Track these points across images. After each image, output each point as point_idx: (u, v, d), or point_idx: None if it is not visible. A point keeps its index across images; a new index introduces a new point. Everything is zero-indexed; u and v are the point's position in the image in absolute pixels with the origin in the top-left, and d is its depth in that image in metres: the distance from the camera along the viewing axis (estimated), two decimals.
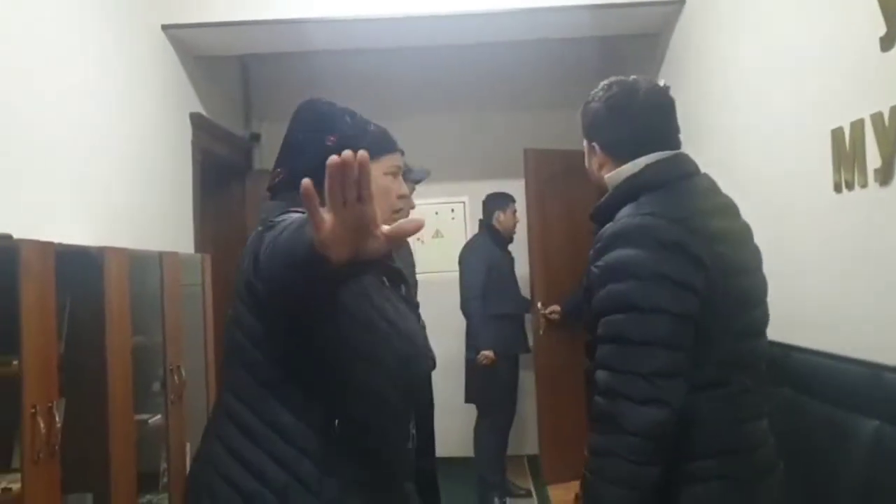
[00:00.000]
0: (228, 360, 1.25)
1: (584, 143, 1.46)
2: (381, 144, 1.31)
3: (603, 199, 1.39)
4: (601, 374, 1.25)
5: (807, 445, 1.87)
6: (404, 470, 1.30)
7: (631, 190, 1.33)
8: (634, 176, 1.34)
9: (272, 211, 1.20)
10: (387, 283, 1.30)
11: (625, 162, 1.36)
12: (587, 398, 1.43)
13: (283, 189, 1.28)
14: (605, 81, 1.43)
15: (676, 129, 1.41)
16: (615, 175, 1.37)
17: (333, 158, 0.74)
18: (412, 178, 2.26)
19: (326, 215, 0.77)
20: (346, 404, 1.18)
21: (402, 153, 1.35)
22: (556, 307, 4.02)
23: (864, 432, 1.64)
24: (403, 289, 1.36)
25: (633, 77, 1.42)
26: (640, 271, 1.22)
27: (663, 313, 1.21)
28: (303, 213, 1.14)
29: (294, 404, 1.17)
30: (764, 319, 1.38)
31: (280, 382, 1.18)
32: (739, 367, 1.31)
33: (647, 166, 1.34)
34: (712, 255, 1.25)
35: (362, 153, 0.74)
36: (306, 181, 0.76)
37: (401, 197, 1.34)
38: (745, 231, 1.40)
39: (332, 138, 1.26)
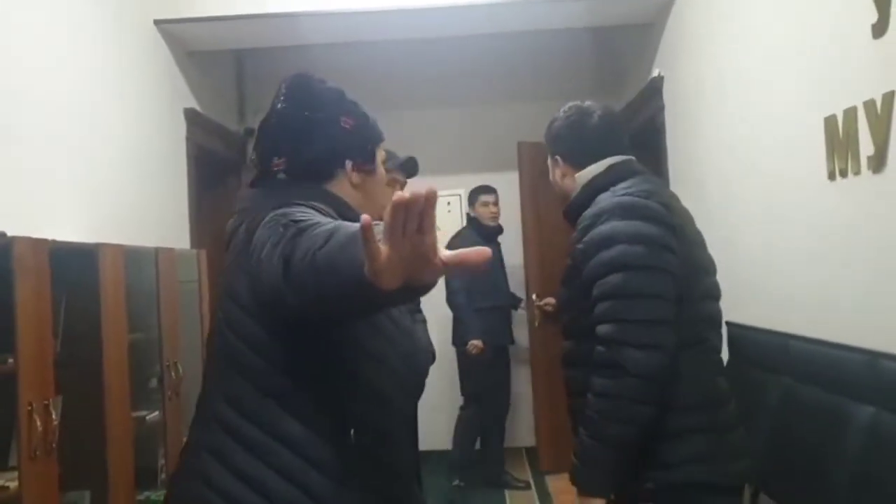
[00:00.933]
0: (220, 367, 1.13)
1: (549, 159, 1.67)
2: (379, 132, 1.28)
3: (574, 197, 1.59)
4: (602, 328, 1.39)
5: (805, 431, 1.88)
6: (412, 474, 1.25)
7: (598, 185, 1.53)
8: (601, 174, 1.55)
9: (262, 203, 1.10)
10: None
11: (582, 167, 1.58)
12: (565, 377, 1.59)
13: (287, 180, 1.17)
14: (566, 107, 1.66)
15: (627, 142, 1.63)
16: (584, 175, 1.57)
17: (401, 197, 0.65)
18: (402, 168, 2.24)
19: (383, 246, 0.69)
20: (357, 410, 1.11)
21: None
22: (551, 299, 4.02)
23: (860, 418, 1.65)
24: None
25: (587, 102, 1.65)
26: (626, 238, 1.40)
27: (651, 269, 1.39)
28: (313, 209, 1.05)
29: (302, 413, 1.07)
30: (718, 288, 1.54)
31: (286, 390, 1.08)
32: (709, 326, 1.49)
33: (610, 166, 1.56)
34: (680, 227, 1.46)
35: (433, 189, 0.67)
36: (366, 218, 0.67)
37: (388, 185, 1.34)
38: (690, 214, 1.58)
39: (347, 120, 1.19)
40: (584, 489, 1.41)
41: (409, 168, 2.27)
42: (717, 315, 1.53)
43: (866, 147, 1.72)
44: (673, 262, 1.41)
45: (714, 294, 1.52)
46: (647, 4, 3.29)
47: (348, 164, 1.20)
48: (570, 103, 1.67)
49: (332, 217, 1.09)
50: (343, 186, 1.20)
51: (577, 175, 1.60)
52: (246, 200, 1.19)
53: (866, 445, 1.61)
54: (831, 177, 1.90)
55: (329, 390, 1.09)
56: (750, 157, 2.43)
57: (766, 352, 2.22)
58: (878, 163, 1.68)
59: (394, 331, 1.16)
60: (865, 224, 1.77)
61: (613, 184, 1.51)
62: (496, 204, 4.00)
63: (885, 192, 1.67)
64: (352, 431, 1.09)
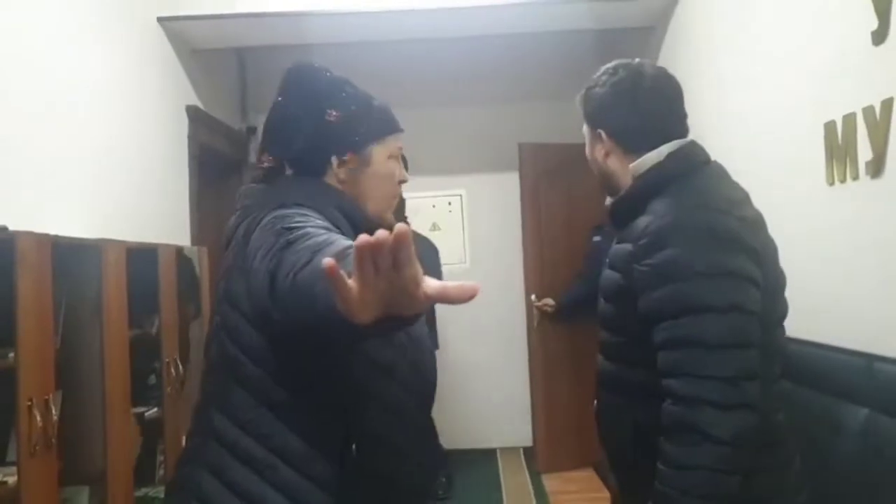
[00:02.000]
0: (217, 376, 1.09)
1: (587, 130, 1.37)
2: (386, 124, 1.20)
3: (627, 191, 1.30)
4: (673, 383, 1.15)
5: (801, 433, 1.89)
6: (423, 489, 1.19)
7: (657, 180, 1.26)
8: (660, 165, 1.27)
9: (262, 202, 1.07)
10: None
11: (634, 150, 1.30)
12: (596, 397, 1.39)
13: (290, 176, 1.15)
14: (609, 65, 1.36)
15: (685, 115, 1.36)
16: (638, 165, 1.29)
17: (363, 241, 0.59)
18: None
19: (354, 284, 0.62)
20: (362, 423, 1.05)
21: (403, 132, 1.24)
22: (550, 300, 4.03)
23: (855, 420, 1.66)
24: None
25: (637, 60, 1.35)
26: (707, 269, 1.14)
27: (739, 311, 1.14)
28: (312, 214, 1.00)
29: (302, 426, 1.02)
30: (787, 307, 1.34)
31: (286, 402, 1.03)
32: (777, 356, 1.29)
33: (671, 154, 1.27)
34: (762, 247, 1.23)
35: (402, 228, 0.59)
36: (328, 261, 0.60)
37: (401, 182, 1.23)
38: (763, 218, 1.34)
39: (333, 113, 1.13)
40: None
41: None
42: (783, 339, 1.33)
43: (865, 153, 1.73)
44: (758, 300, 1.17)
45: (784, 316, 1.32)
46: (648, 8, 3.29)
47: (333, 159, 1.15)
48: (617, 62, 1.34)
49: (333, 217, 1.06)
50: (332, 182, 1.16)
51: (631, 165, 1.30)
52: (247, 197, 1.16)
53: (861, 446, 1.62)
54: (830, 182, 1.91)
55: (332, 403, 1.04)
56: (750, 162, 2.43)
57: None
58: (876, 168, 1.69)
59: (403, 338, 1.10)
60: (863, 229, 1.78)
61: (674, 180, 1.24)
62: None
63: (883, 197, 1.68)
64: (353, 446, 1.04)
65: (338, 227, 1.04)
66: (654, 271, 1.17)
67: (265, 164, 1.15)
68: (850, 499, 1.63)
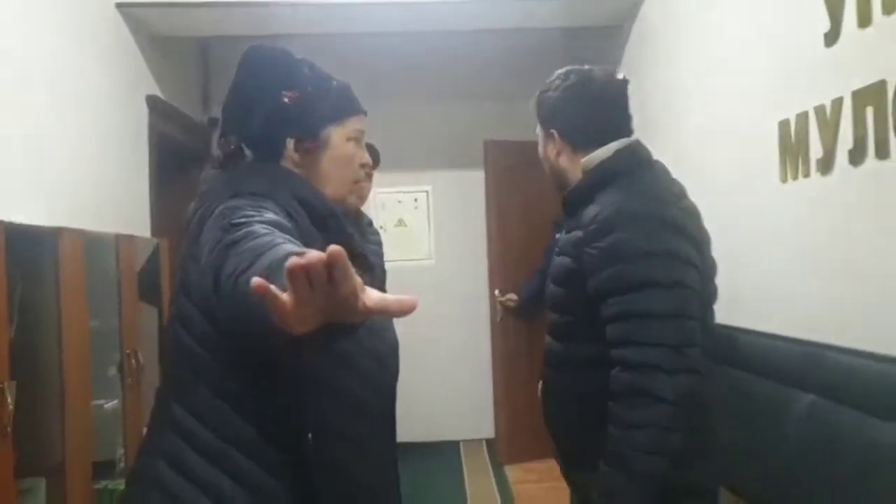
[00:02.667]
0: (173, 366, 1.08)
1: (540, 131, 1.50)
2: (345, 105, 1.18)
3: (577, 184, 1.43)
4: (625, 352, 1.26)
5: (749, 419, 1.96)
6: (386, 481, 1.19)
7: (606, 174, 1.38)
8: (608, 160, 1.40)
9: (219, 189, 1.06)
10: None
11: (583, 148, 1.43)
12: (541, 378, 1.52)
13: (235, 163, 1.12)
14: (561, 71, 1.48)
15: (630, 117, 1.48)
16: (588, 161, 1.42)
17: (293, 264, 0.58)
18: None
19: (288, 299, 0.61)
20: (319, 414, 1.05)
21: (366, 114, 1.22)
22: (513, 295, 4.09)
23: (800, 405, 1.73)
24: (368, 278, 1.24)
25: (587, 66, 1.48)
26: (652, 251, 1.27)
27: (682, 287, 1.27)
28: (261, 211, 0.95)
29: (257, 417, 1.02)
30: (717, 291, 1.47)
31: (240, 393, 1.03)
32: (706, 332, 1.39)
33: (617, 152, 1.40)
34: (698, 233, 1.36)
35: (335, 250, 0.59)
36: (257, 280, 0.60)
37: (363, 165, 1.21)
38: (699, 211, 1.48)
39: (288, 94, 1.10)
40: None
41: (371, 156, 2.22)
42: (712, 319, 1.46)
43: (816, 150, 1.80)
44: (695, 278, 1.31)
45: (713, 299, 1.44)
46: (614, 6, 3.35)
47: (289, 141, 1.13)
48: (568, 67, 1.47)
49: (289, 205, 1.05)
50: (288, 165, 1.14)
51: (582, 160, 1.42)
52: (206, 182, 1.14)
53: (805, 429, 1.70)
54: (783, 179, 1.98)
55: (285, 394, 1.03)
56: (708, 160, 2.51)
57: (717, 347, 2.30)
58: (825, 166, 1.76)
59: (362, 331, 1.07)
60: (812, 225, 1.85)
61: (623, 174, 1.36)
62: None
63: (832, 194, 1.76)
64: (309, 436, 1.04)
65: (291, 217, 1.03)
66: (603, 254, 1.29)
67: (228, 149, 1.13)
68: (798, 481, 1.70)
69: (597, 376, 1.31)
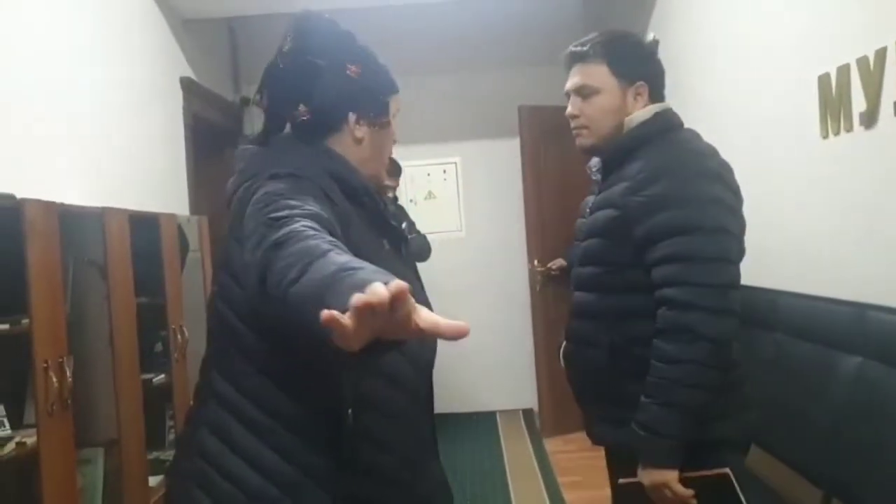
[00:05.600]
0: (218, 343, 1.10)
1: (613, 82, 1.45)
2: (392, 82, 1.19)
3: (619, 141, 1.47)
4: (672, 291, 1.33)
5: (792, 382, 1.95)
6: (427, 455, 1.19)
7: (645, 134, 1.44)
8: (648, 122, 1.46)
9: (256, 167, 1.05)
10: (387, 247, 1.15)
11: (657, 101, 1.49)
12: (566, 335, 1.60)
13: (286, 139, 1.12)
14: (618, 30, 1.55)
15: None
16: (631, 119, 1.47)
17: (360, 301, 0.61)
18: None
19: (349, 322, 0.62)
20: (359, 389, 1.06)
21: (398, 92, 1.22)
22: (560, 261, 4.04)
23: (847, 368, 1.71)
24: (404, 249, 1.22)
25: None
26: (698, 197, 1.33)
27: (726, 232, 1.34)
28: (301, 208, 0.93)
29: (300, 393, 1.04)
30: (745, 249, 1.51)
31: (282, 369, 1.04)
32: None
33: (657, 114, 1.47)
34: (737, 187, 1.42)
35: (400, 287, 0.62)
36: (326, 314, 0.61)
37: (394, 143, 1.23)
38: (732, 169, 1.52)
39: (352, 68, 1.10)
40: (656, 461, 1.33)
41: (394, 171, 2.19)
42: (740, 277, 1.48)
43: (858, 104, 1.76)
44: (737, 225, 1.38)
45: (742, 256, 1.47)
46: None
47: (352, 116, 1.12)
48: (610, 29, 1.55)
49: (326, 185, 1.04)
50: (344, 142, 1.13)
51: (627, 118, 1.46)
52: (242, 160, 1.14)
53: (853, 392, 1.68)
54: (824, 135, 1.94)
55: (325, 370, 1.03)
56: (745, 118, 2.46)
57: (757, 309, 2.28)
58: (870, 119, 1.72)
59: None
60: (855, 180, 1.82)
61: (661, 134, 1.43)
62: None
63: (877, 148, 1.72)
64: (349, 412, 1.04)
65: (327, 197, 1.03)
66: (651, 200, 1.36)
67: (302, 118, 1.09)
68: (845, 444, 1.68)
69: (627, 327, 1.40)
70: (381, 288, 0.62)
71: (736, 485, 1.30)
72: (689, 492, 1.32)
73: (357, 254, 0.85)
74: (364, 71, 1.12)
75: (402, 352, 1.05)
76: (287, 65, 1.10)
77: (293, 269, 0.80)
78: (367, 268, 0.74)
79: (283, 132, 1.15)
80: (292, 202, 0.94)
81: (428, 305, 1.21)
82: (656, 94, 1.49)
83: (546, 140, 4.22)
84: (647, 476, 1.33)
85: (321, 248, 0.82)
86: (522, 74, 4.55)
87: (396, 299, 0.62)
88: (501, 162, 4.61)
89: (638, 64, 1.48)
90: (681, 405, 1.30)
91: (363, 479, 1.06)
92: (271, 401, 1.03)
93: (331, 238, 0.87)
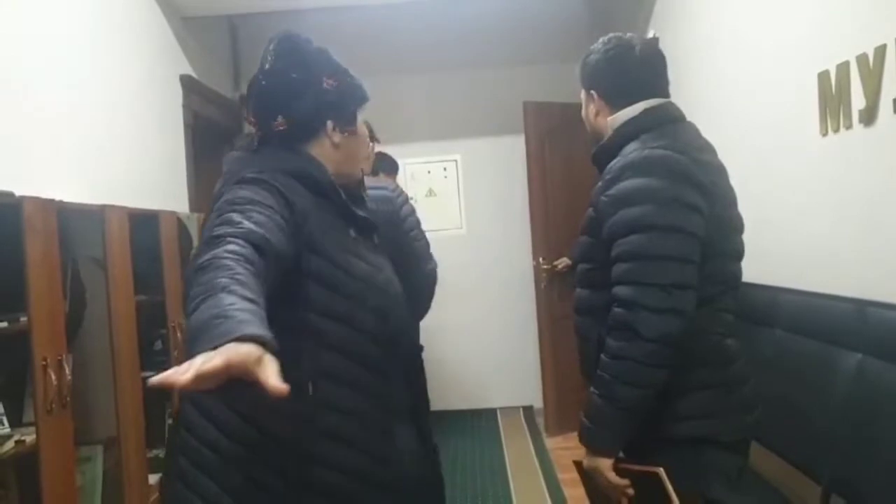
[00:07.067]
0: None
1: (583, 93, 1.59)
2: (363, 92, 1.32)
3: (605, 140, 1.51)
4: (620, 290, 1.35)
5: (797, 380, 1.95)
6: (397, 420, 1.26)
7: (631, 131, 1.46)
8: (634, 119, 1.48)
9: (233, 172, 1.16)
10: (353, 235, 1.25)
11: (619, 108, 1.51)
12: (577, 323, 1.57)
13: (269, 146, 1.23)
14: (604, 38, 1.56)
15: (667, 81, 1.56)
16: (616, 118, 1.50)
17: (153, 382, 0.73)
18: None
19: (178, 380, 0.72)
20: (317, 364, 1.15)
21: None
22: (566, 259, 4.05)
23: (848, 364, 1.71)
24: (376, 238, 1.33)
25: (629, 34, 1.56)
26: (654, 196, 1.35)
27: (678, 231, 1.34)
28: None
29: None
30: (743, 247, 1.51)
31: None
32: (727, 287, 1.45)
33: (645, 110, 1.48)
34: (710, 184, 1.41)
35: (217, 365, 0.73)
36: (153, 381, 0.74)
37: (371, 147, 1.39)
38: (725, 168, 1.53)
39: (329, 81, 1.23)
40: (592, 447, 1.41)
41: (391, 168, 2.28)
42: (737, 275, 1.49)
43: (858, 101, 1.76)
44: (698, 224, 1.36)
45: (738, 253, 1.49)
46: None
47: (329, 124, 1.25)
48: (611, 35, 1.56)
49: (289, 186, 1.14)
50: (324, 146, 1.25)
51: (609, 118, 1.51)
52: (226, 164, 1.25)
53: (854, 388, 1.67)
54: (823, 132, 1.93)
55: (288, 345, 1.07)
56: (745, 115, 2.46)
57: (758, 306, 2.28)
58: (869, 116, 1.71)
59: (361, 287, 1.19)
60: (855, 177, 1.81)
61: (646, 131, 1.44)
62: None
63: (876, 145, 1.71)
64: (310, 385, 1.13)
65: (283, 195, 1.12)
66: (612, 200, 1.39)
67: (279, 129, 1.21)
68: (848, 440, 1.68)
69: None
70: (198, 360, 0.72)
71: (668, 485, 1.31)
72: (624, 481, 1.38)
73: (321, 241, 1.11)
74: (340, 83, 1.25)
75: (359, 330, 1.18)
76: (268, 82, 1.23)
77: (192, 302, 0.88)
78: (235, 318, 0.81)
79: (269, 140, 1.25)
80: (236, 216, 1.03)
81: (398, 286, 1.32)
82: (617, 99, 1.50)
83: (551, 137, 4.20)
84: (587, 460, 1.43)
85: (219, 285, 0.89)
86: (526, 71, 4.55)
87: (220, 369, 0.72)
88: (504, 159, 4.61)
89: (589, 74, 1.55)
90: (617, 400, 1.36)
91: (330, 442, 1.15)
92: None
93: (242, 268, 0.93)
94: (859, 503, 1.62)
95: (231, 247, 0.96)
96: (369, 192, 1.54)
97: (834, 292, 1.87)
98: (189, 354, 0.77)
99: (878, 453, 1.55)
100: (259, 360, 0.75)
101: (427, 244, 2.17)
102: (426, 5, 4.05)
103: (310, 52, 1.25)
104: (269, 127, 1.22)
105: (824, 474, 1.77)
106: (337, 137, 1.26)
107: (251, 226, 1.02)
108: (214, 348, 0.75)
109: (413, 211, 2.04)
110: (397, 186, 2.04)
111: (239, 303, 0.85)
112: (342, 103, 1.26)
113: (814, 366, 1.86)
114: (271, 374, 0.75)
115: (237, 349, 0.74)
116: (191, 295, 0.89)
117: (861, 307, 1.72)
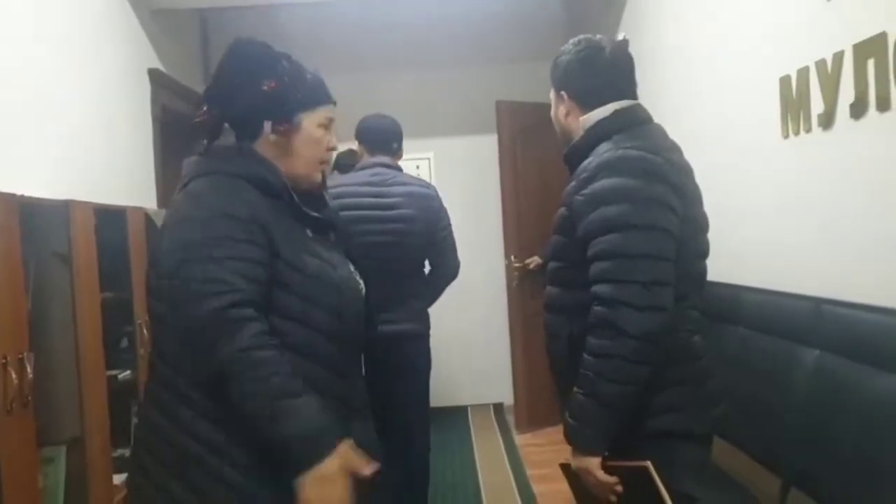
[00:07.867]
0: (155, 329, 1.28)
1: (553, 93, 1.61)
2: (317, 95, 1.36)
3: (577, 140, 1.54)
4: (600, 288, 1.36)
5: (757, 376, 1.99)
6: (349, 413, 1.32)
7: (603, 132, 1.49)
8: (606, 119, 1.50)
9: (189, 173, 1.26)
10: (310, 234, 1.31)
11: (590, 109, 1.53)
12: (547, 321, 1.60)
13: (207, 130, 1.30)
14: (574, 39, 1.59)
15: (635, 83, 1.59)
16: (587, 119, 1.52)
17: None
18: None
19: None
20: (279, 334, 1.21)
21: (335, 104, 1.40)
22: (537, 258, 4.09)
23: (806, 360, 1.76)
24: (332, 236, 1.38)
25: (598, 36, 1.58)
26: (631, 195, 1.36)
27: (656, 229, 1.36)
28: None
29: None
30: (708, 246, 1.54)
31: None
32: (694, 285, 1.48)
33: (616, 112, 1.50)
34: (681, 184, 1.43)
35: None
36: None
37: (330, 150, 1.39)
38: (691, 168, 1.55)
39: (269, 84, 1.28)
40: (579, 446, 1.41)
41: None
42: (703, 273, 1.52)
43: (817, 105, 1.80)
44: (674, 222, 1.38)
45: (704, 252, 1.52)
46: None
47: (267, 124, 1.31)
48: (581, 36, 1.59)
49: (253, 211, 1.21)
50: (266, 144, 1.32)
51: (581, 118, 1.53)
52: (185, 167, 1.32)
53: (812, 384, 1.72)
54: (784, 135, 1.98)
55: None
56: (709, 117, 2.51)
57: (721, 304, 2.33)
58: (827, 120, 1.77)
59: (313, 285, 1.24)
60: (814, 179, 1.86)
61: (617, 132, 1.47)
62: None
63: (834, 148, 1.76)
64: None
65: (256, 223, 1.20)
66: (588, 199, 1.40)
67: (202, 118, 1.29)
68: (806, 434, 1.72)
69: (583, 318, 1.42)
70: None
71: (656, 479, 1.33)
72: (612, 479, 1.38)
73: (281, 245, 1.21)
74: (279, 86, 1.29)
75: (315, 328, 1.25)
76: (216, 84, 1.31)
77: (265, 406, 1.10)
78: (326, 436, 1.14)
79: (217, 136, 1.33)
80: (228, 277, 1.14)
81: (355, 283, 1.37)
82: (588, 100, 1.52)
83: (524, 136, 4.23)
84: (575, 461, 1.43)
85: (292, 389, 1.12)
86: (500, 71, 4.57)
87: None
88: (477, 158, 4.62)
89: (560, 75, 1.57)
90: (603, 397, 1.36)
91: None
92: (184, 381, 1.19)
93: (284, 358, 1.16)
94: (818, 495, 1.66)
95: (253, 330, 1.12)
96: (415, 188, 1.97)
97: (793, 290, 1.92)
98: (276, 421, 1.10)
99: (835, 446, 1.59)
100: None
101: (454, 243, 2.65)
102: (399, 4, 4.05)
103: (255, 57, 1.30)
104: (215, 124, 1.30)
105: (783, 467, 1.82)
106: (273, 137, 1.31)
107: (243, 285, 1.14)
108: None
109: (447, 213, 2.51)
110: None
111: (316, 418, 1.13)
112: (280, 105, 1.30)
113: (775, 362, 1.90)
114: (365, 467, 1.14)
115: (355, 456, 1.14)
116: (250, 391, 1.11)
117: (818, 305, 1.77)
